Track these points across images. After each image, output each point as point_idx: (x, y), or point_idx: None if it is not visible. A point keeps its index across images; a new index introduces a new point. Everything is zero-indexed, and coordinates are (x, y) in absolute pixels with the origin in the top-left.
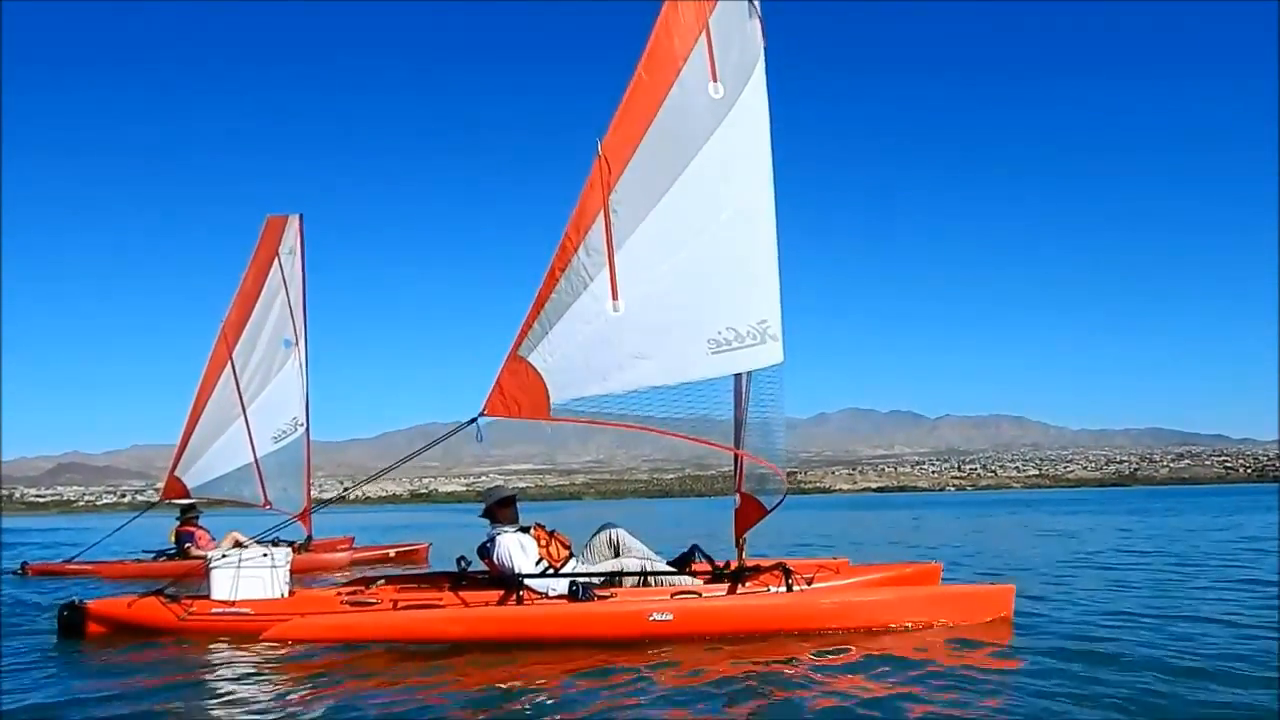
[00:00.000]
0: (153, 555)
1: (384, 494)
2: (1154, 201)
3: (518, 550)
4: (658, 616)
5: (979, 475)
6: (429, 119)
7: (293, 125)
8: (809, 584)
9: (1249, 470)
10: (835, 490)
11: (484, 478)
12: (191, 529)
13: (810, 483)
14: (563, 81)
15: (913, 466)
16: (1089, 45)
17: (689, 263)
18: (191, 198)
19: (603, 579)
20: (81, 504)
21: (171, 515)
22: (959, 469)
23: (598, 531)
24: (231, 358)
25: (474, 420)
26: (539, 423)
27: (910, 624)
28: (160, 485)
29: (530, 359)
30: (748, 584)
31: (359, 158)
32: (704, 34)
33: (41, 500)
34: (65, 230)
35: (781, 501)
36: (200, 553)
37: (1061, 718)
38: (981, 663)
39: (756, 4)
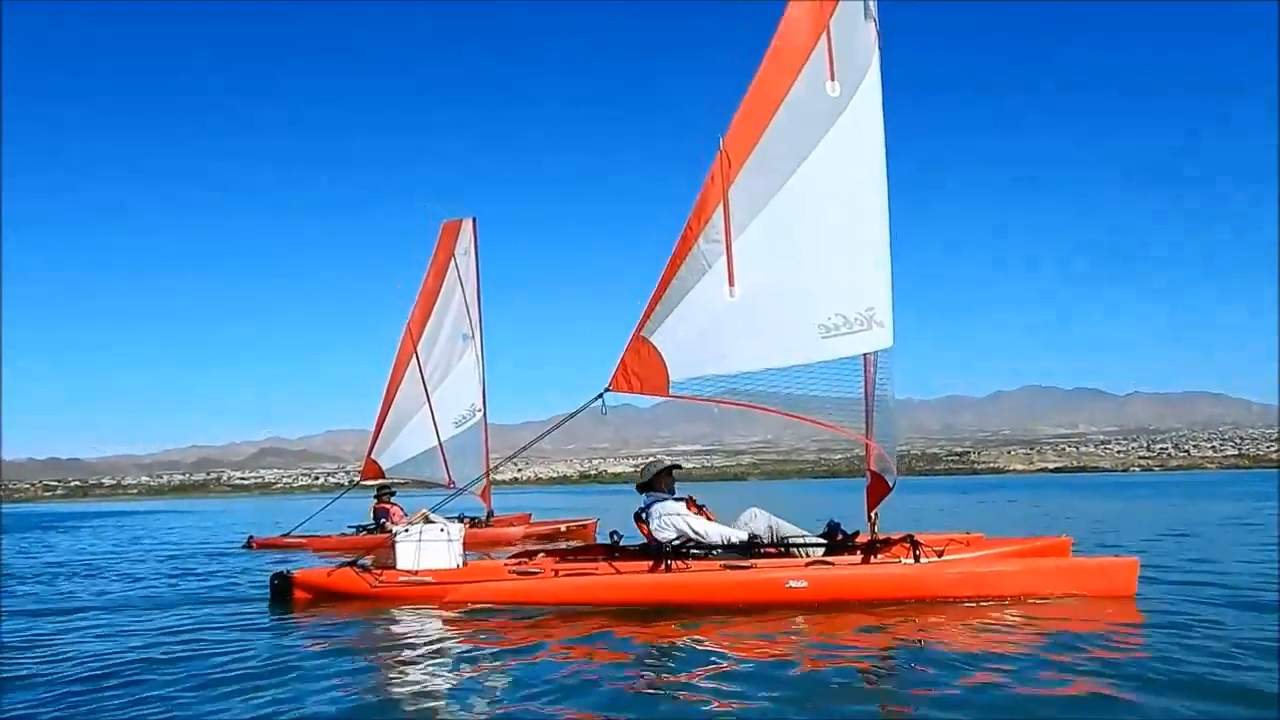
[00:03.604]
0: (354, 530)
1: (554, 475)
2: None
3: (683, 510)
4: (794, 584)
5: (1169, 455)
6: (601, 111)
7: (464, 132)
8: (939, 556)
9: None
10: (1009, 470)
11: (651, 458)
12: (387, 506)
13: (984, 463)
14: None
15: (1096, 446)
16: None
17: (802, 252)
18: (363, 201)
19: (769, 543)
20: (280, 486)
21: (369, 494)
22: (1148, 448)
23: (742, 512)
24: (416, 351)
25: (600, 396)
26: (708, 404)
27: (1030, 595)
28: (351, 466)
29: (653, 339)
30: (879, 555)
31: (539, 149)
32: (825, 34)
33: (245, 483)
34: (281, 244)
35: (895, 481)
36: (394, 527)
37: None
38: (1089, 631)
39: (873, 5)
